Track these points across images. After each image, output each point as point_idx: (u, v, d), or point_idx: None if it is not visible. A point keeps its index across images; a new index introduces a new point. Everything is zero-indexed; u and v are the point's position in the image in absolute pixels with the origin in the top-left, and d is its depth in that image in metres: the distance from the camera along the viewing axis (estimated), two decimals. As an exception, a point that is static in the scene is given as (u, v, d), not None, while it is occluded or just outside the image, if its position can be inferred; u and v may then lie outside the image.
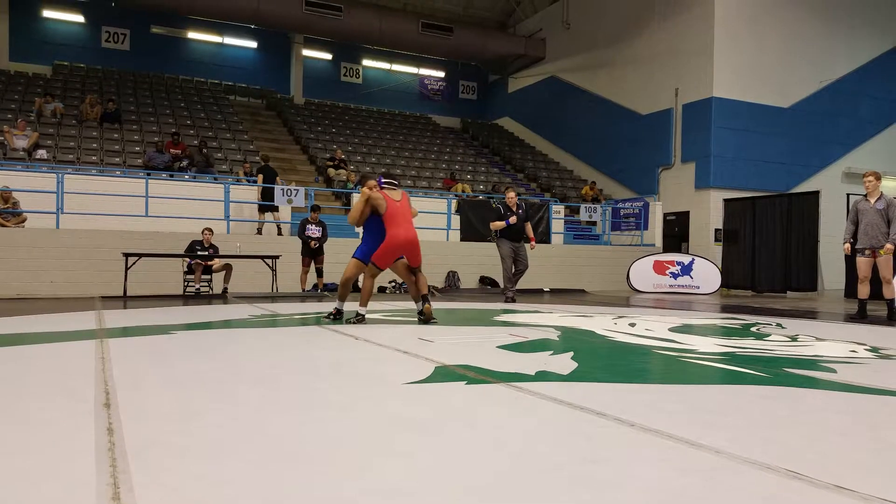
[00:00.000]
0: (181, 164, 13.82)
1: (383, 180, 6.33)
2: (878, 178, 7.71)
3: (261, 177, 12.78)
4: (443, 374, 3.42)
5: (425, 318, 6.08)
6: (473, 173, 19.07)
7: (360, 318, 6.04)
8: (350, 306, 6.50)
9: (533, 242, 9.81)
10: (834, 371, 3.71)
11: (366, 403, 2.75)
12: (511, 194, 9.73)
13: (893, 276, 7.62)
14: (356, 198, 14.59)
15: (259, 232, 12.54)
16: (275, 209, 12.71)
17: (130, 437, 2.13)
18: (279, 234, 12.75)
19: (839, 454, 2.07)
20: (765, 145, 16.57)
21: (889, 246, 7.45)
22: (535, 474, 1.82)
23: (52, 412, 2.50)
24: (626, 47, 18.76)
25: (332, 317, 6.27)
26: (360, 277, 6.37)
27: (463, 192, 16.36)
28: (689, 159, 16.69)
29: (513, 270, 9.70)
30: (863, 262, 7.73)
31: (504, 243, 9.63)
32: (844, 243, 8.11)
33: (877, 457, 2.06)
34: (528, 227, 9.81)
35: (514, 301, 9.57)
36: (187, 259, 10.25)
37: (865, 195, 7.77)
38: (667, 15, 17.39)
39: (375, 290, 12.20)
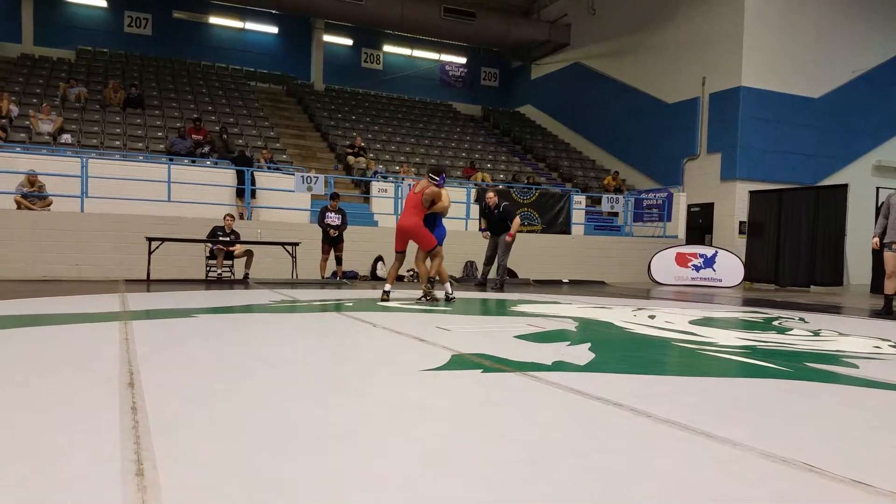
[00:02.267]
0: (203, 150, 13.94)
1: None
2: None
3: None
4: (459, 362, 3.43)
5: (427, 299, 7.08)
6: (494, 162, 18.99)
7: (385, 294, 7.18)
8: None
9: (510, 236, 10.32)
10: (856, 367, 3.66)
11: (382, 389, 2.77)
12: (490, 194, 10.55)
13: None
14: (375, 186, 14.58)
15: (241, 217, 12.37)
16: (241, 195, 12.65)
17: (154, 417, 2.17)
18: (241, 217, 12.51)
19: (858, 450, 2.05)
20: (793, 136, 16.28)
21: None
22: (550, 463, 1.83)
23: (77, 391, 2.55)
24: (653, 34, 18.49)
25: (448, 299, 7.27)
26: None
27: (483, 181, 16.30)
28: (715, 150, 16.46)
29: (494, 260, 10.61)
30: (890, 257, 7.62)
31: (490, 238, 10.63)
32: (874, 237, 8.00)
33: (897, 453, 2.03)
34: (513, 223, 10.36)
35: (484, 286, 10.53)
36: (209, 244, 10.36)
37: None
38: (695, 1, 17.10)
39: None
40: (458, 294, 8.75)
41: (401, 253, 7.26)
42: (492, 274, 10.73)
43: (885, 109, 17.39)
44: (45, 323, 4.66)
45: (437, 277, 7.23)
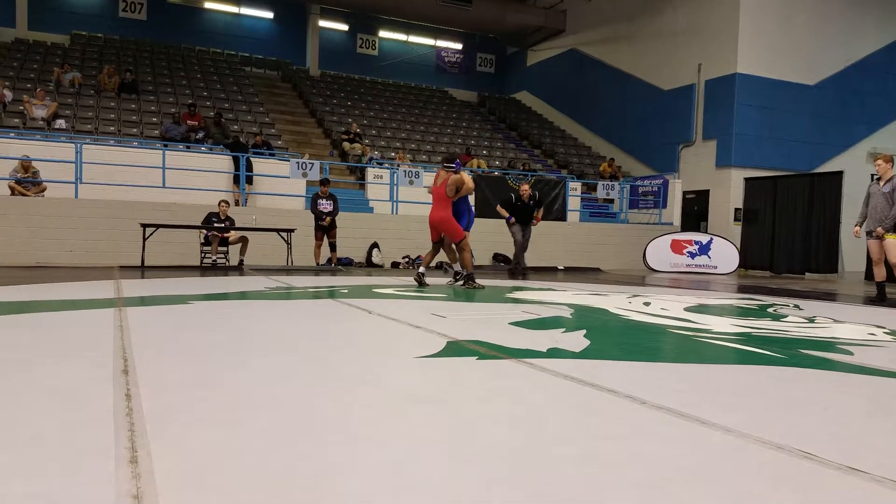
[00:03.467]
0: (197, 136, 13.86)
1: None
2: (889, 160, 7.61)
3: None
4: (454, 349, 3.43)
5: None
6: (489, 149, 18.94)
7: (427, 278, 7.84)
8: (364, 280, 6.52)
9: (537, 220, 11.27)
10: (851, 353, 3.67)
11: (377, 376, 2.76)
12: (525, 186, 11.15)
13: None
14: (371, 173, 14.58)
15: (237, 203, 12.33)
16: (237, 181, 12.58)
17: (148, 404, 2.16)
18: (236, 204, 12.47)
19: (853, 436, 2.06)
20: (788, 124, 16.27)
21: (879, 229, 7.43)
22: (544, 449, 1.83)
23: (71, 378, 2.54)
24: (650, 20, 18.40)
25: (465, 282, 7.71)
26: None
27: (478, 167, 16.26)
28: (711, 137, 16.44)
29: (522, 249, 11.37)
30: (873, 245, 7.71)
31: (516, 226, 11.19)
32: (855, 226, 8.07)
33: (891, 439, 2.04)
34: (539, 211, 11.31)
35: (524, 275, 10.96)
36: (204, 231, 10.33)
37: (878, 178, 7.71)
38: (691, -12, 17.00)
39: (389, 265, 12.37)
40: (447, 281, 8.74)
41: (436, 243, 7.82)
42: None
43: (880, 97, 17.39)
44: (38, 309, 4.64)
45: (460, 265, 7.81)
